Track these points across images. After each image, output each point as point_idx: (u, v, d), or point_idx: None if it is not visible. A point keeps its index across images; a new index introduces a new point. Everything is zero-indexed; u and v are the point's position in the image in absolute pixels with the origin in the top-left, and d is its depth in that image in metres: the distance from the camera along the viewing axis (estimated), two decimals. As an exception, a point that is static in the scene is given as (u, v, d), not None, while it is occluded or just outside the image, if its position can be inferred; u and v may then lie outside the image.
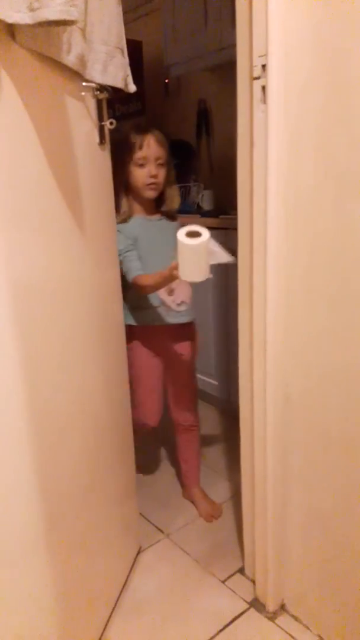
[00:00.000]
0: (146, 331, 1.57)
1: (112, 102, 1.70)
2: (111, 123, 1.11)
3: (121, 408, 1.38)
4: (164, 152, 1.48)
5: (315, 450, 1.15)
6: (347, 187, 0.95)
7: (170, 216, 1.59)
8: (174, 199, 1.58)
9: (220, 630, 1.30)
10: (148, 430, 1.68)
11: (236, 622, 1.32)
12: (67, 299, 1.02)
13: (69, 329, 1.03)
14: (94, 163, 1.11)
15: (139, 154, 1.44)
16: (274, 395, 1.17)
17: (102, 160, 1.16)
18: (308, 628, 1.29)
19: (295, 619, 1.32)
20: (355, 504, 1.09)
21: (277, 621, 1.32)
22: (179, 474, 1.90)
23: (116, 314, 1.33)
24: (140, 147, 1.44)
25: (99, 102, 1.07)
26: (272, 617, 1.33)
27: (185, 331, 1.64)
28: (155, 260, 1.42)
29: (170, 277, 1.30)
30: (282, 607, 1.35)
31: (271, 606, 1.34)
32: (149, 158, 1.45)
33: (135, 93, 1.16)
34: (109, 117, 1.11)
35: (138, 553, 1.57)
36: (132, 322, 1.55)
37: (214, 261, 1.18)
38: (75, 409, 1.07)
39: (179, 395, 1.71)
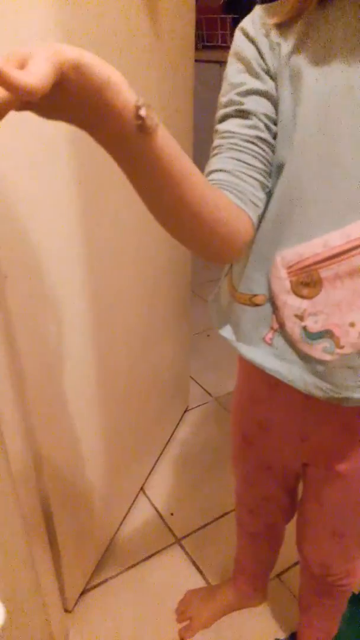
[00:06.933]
0: (264, 382, 0.70)
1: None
2: None
3: (180, 270, 1.32)
4: None
5: None
6: None
7: None
8: None
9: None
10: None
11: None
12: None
13: (127, 185, 0.81)
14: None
15: None
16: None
17: None
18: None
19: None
20: None
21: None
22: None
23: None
24: None
25: None
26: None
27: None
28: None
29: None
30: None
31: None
32: None
33: None
34: None
35: (185, 411, 1.58)
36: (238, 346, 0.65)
37: None
38: (131, 271, 1.03)
39: (319, 538, 0.81)
